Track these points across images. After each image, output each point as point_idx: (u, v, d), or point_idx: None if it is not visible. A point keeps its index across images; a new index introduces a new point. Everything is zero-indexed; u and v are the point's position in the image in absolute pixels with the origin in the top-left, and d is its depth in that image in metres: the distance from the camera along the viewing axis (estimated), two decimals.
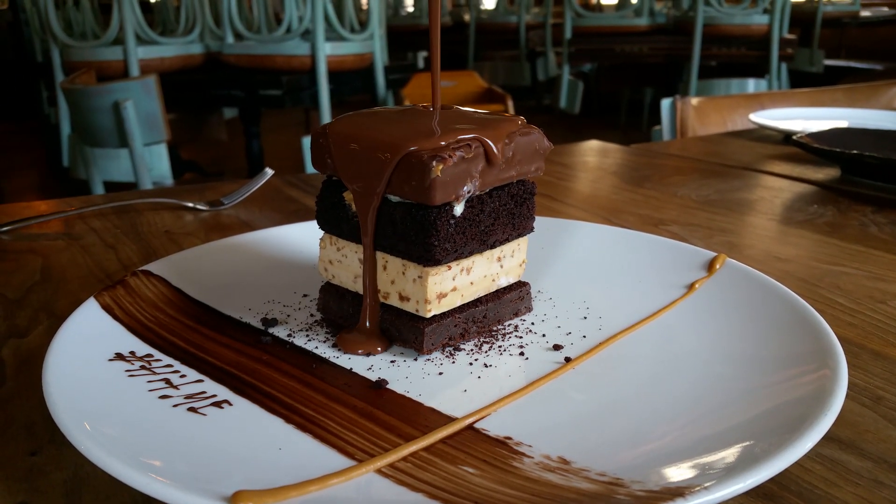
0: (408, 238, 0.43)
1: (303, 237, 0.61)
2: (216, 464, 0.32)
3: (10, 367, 0.46)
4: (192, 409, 0.37)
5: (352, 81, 3.30)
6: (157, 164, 2.75)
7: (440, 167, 0.40)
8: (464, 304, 0.46)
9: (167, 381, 0.40)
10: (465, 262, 0.45)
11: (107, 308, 0.47)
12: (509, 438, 0.35)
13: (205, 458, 0.33)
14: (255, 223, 0.77)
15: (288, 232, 0.63)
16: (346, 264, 0.47)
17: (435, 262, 0.43)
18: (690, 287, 0.53)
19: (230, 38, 3.13)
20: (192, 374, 0.41)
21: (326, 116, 3.03)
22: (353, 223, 0.46)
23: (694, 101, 1.52)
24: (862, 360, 0.47)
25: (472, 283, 0.46)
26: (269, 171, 0.85)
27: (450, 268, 0.44)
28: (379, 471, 0.32)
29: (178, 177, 4.08)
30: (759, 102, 1.60)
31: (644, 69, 5.66)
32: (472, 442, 0.35)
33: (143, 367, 0.41)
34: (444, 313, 0.45)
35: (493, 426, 0.36)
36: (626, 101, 7.14)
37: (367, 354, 0.44)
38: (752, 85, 3.82)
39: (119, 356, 0.42)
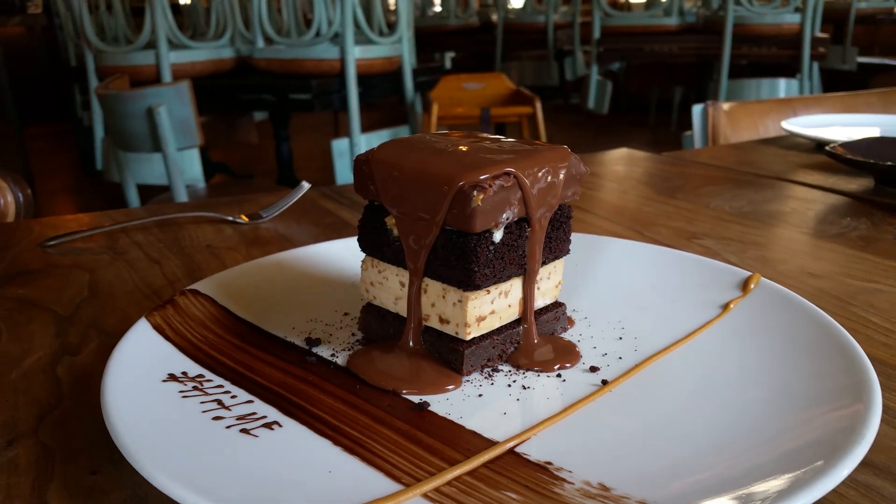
0: (448, 263, 0.44)
1: (342, 254, 0.63)
2: (271, 487, 0.34)
3: (66, 385, 0.48)
4: (244, 431, 0.39)
5: (380, 84, 3.32)
6: (189, 167, 2.81)
7: (480, 196, 0.41)
8: (502, 326, 0.48)
9: (219, 401, 0.42)
10: (504, 286, 0.46)
11: (158, 328, 0.49)
12: (549, 463, 0.36)
13: (260, 482, 0.34)
14: (293, 237, 0.79)
15: (327, 249, 0.65)
16: (387, 286, 0.49)
17: (474, 287, 0.44)
18: (725, 307, 0.53)
19: (260, 43, 3.17)
20: (243, 395, 0.43)
21: (355, 120, 3.05)
22: (394, 247, 0.47)
23: (725, 106, 1.51)
24: None
25: (509, 305, 0.47)
26: (306, 185, 0.87)
27: (488, 292, 0.45)
28: (425, 495, 0.33)
29: (209, 179, 4.15)
30: (791, 107, 1.58)
31: (673, 69, 5.62)
32: (514, 467, 0.36)
33: (195, 388, 0.43)
34: (482, 335, 0.46)
35: (533, 450, 0.38)
36: (656, 100, 7.08)
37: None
38: (783, 85, 3.77)
39: (172, 377, 0.44)
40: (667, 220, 0.85)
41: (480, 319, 0.45)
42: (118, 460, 0.39)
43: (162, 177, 2.56)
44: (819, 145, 1.19)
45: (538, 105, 3.37)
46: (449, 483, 0.35)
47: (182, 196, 2.39)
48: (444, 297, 0.45)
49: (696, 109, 1.46)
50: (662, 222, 0.84)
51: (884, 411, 0.44)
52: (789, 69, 4.06)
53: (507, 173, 0.43)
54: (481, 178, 0.41)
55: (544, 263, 0.49)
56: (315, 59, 3.04)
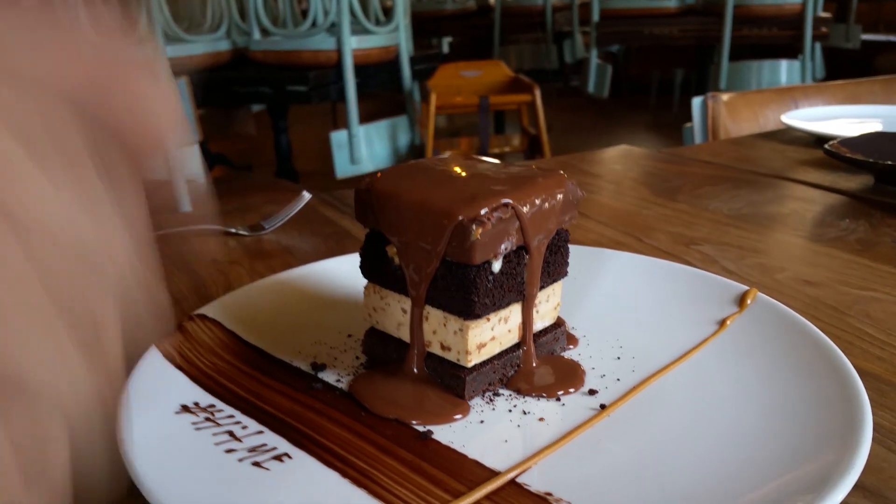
0: (449, 293, 0.45)
1: (344, 271, 0.64)
2: None
3: None
4: (256, 464, 0.40)
5: (377, 74, 3.31)
6: (188, 162, 2.81)
7: (479, 230, 0.42)
8: (502, 351, 0.49)
9: (231, 433, 0.43)
10: (503, 313, 0.47)
11: (168, 357, 0.50)
12: (549, 494, 0.38)
13: None
14: (294, 248, 0.80)
15: (330, 267, 0.66)
16: (390, 312, 0.50)
17: (475, 316, 0.45)
18: (722, 324, 0.54)
19: (257, 34, 3.16)
20: (253, 425, 0.44)
21: (353, 111, 3.05)
22: (396, 275, 0.48)
23: (724, 97, 1.51)
24: (891, 398, 0.49)
25: (509, 330, 0.49)
26: (307, 195, 0.88)
27: (488, 319, 0.46)
28: None
29: (209, 169, 4.15)
30: (791, 97, 1.58)
31: (674, 51, 5.59)
32: (516, 497, 0.38)
33: (207, 419, 0.44)
34: (483, 361, 0.47)
35: (533, 480, 0.39)
36: (657, 83, 7.04)
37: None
38: (784, 67, 3.75)
39: (185, 408, 0.45)
40: (665, 225, 0.86)
41: (481, 346, 0.47)
42: (137, 494, 0.40)
43: (163, 172, 2.57)
44: (819, 139, 1.20)
45: (537, 93, 3.36)
46: None
47: (183, 192, 2.40)
48: (445, 325, 0.46)
49: (696, 102, 1.46)
50: (661, 227, 0.85)
51: (876, 430, 0.45)
52: (791, 50, 4.04)
53: (505, 204, 0.44)
54: (481, 212, 0.42)
55: (543, 287, 0.50)
56: (312, 51, 3.04)
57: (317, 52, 3.02)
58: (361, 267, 0.51)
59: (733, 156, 1.18)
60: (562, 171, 0.49)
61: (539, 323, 0.51)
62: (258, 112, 4.44)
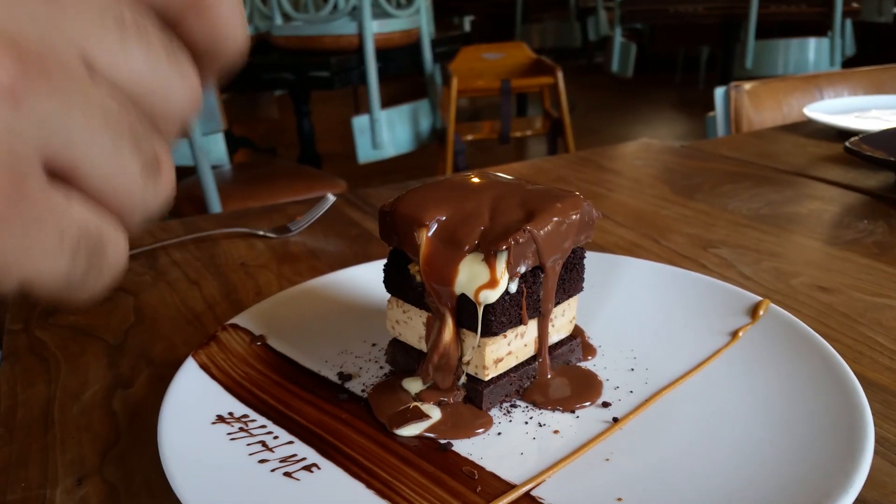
0: (467, 312, 0.47)
1: (368, 279, 0.66)
2: None
3: (122, 419, 0.53)
4: (287, 475, 0.43)
5: (399, 58, 3.32)
6: (213, 148, 2.86)
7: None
8: (518, 364, 0.51)
9: (263, 443, 0.46)
10: (520, 328, 0.50)
11: (204, 367, 0.53)
12: None
13: None
14: (320, 251, 0.83)
15: (353, 275, 0.68)
16: (412, 325, 0.53)
17: (492, 334, 0.47)
18: (734, 335, 0.56)
19: (279, 20, 3.18)
20: (284, 436, 0.47)
21: (375, 95, 3.06)
22: (417, 291, 0.51)
23: (747, 86, 1.50)
24: None
25: (525, 345, 0.51)
26: (331, 198, 0.91)
27: (505, 336, 0.49)
28: None
29: (232, 154, 4.21)
30: (815, 84, 1.57)
31: (699, 28, 5.49)
32: None
33: (241, 429, 0.47)
34: (500, 374, 0.50)
35: (547, 494, 0.41)
36: (682, 59, 6.94)
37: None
38: (812, 45, 3.68)
39: (220, 418, 0.48)
40: (683, 226, 0.87)
41: (498, 361, 0.49)
42: (176, 500, 0.44)
43: (188, 158, 2.61)
44: (841, 133, 1.19)
45: (559, 74, 3.34)
46: None
47: (209, 178, 2.44)
48: (463, 340, 0.49)
49: (719, 93, 1.46)
50: (679, 228, 0.86)
51: (881, 444, 0.47)
52: (820, 27, 3.95)
53: (524, 230, 0.46)
54: (502, 247, 0.44)
55: (558, 303, 0.52)
56: (333, 35, 3.05)
57: (338, 37, 3.03)
58: (385, 282, 0.53)
59: (755, 150, 1.18)
60: (578, 193, 0.50)
61: (555, 336, 0.53)
62: (280, 95, 4.47)
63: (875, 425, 0.48)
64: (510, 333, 0.49)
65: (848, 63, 3.75)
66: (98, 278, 0.24)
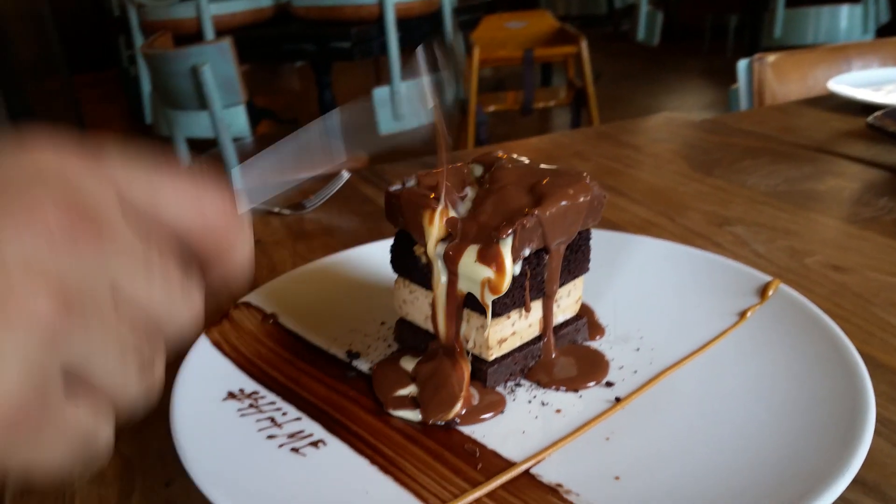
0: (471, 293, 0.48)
1: (379, 258, 0.67)
2: None
3: None
4: (294, 450, 0.44)
5: (420, 27, 3.28)
6: (235, 121, 2.87)
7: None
8: (523, 344, 0.52)
9: (272, 419, 0.47)
10: (524, 310, 0.50)
11: (217, 344, 0.54)
12: (560, 486, 0.41)
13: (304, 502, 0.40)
14: (334, 228, 0.84)
15: (364, 253, 0.69)
16: (418, 306, 0.53)
17: (495, 315, 0.48)
18: (742, 315, 0.56)
19: None
20: (292, 412, 0.48)
21: (396, 67, 3.04)
22: (423, 272, 0.51)
23: (771, 58, 1.47)
24: None
25: (529, 325, 0.51)
26: (346, 174, 0.91)
27: (509, 316, 0.49)
28: None
29: (255, 126, 4.22)
30: (844, 56, 1.53)
31: None
32: (527, 489, 0.41)
33: (251, 406, 0.48)
34: (504, 354, 0.50)
35: (546, 472, 0.42)
36: (710, 27, 6.78)
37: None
38: (845, 12, 3.56)
39: (231, 395, 0.49)
40: (700, 203, 0.86)
41: (502, 341, 0.49)
42: (187, 473, 0.45)
43: (209, 130, 2.63)
44: (865, 107, 1.17)
45: (583, 44, 3.29)
46: None
47: (230, 151, 2.46)
48: (467, 321, 0.49)
49: (742, 65, 1.43)
50: (696, 205, 0.85)
51: (885, 425, 0.47)
52: None
53: (531, 215, 0.46)
54: (508, 232, 0.44)
55: (563, 284, 0.52)
56: (354, 5, 3.03)
57: (359, 7, 3.00)
58: (392, 262, 0.54)
59: (777, 125, 1.16)
60: (586, 175, 0.50)
61: (560, 316, 0.54)
62: (301, 66, 4.46)
63: (881, 407, 0.48)
64: (514, 314, 0.50)
65: (882, 31, 3.63)
66: (86, 467, 0.29)
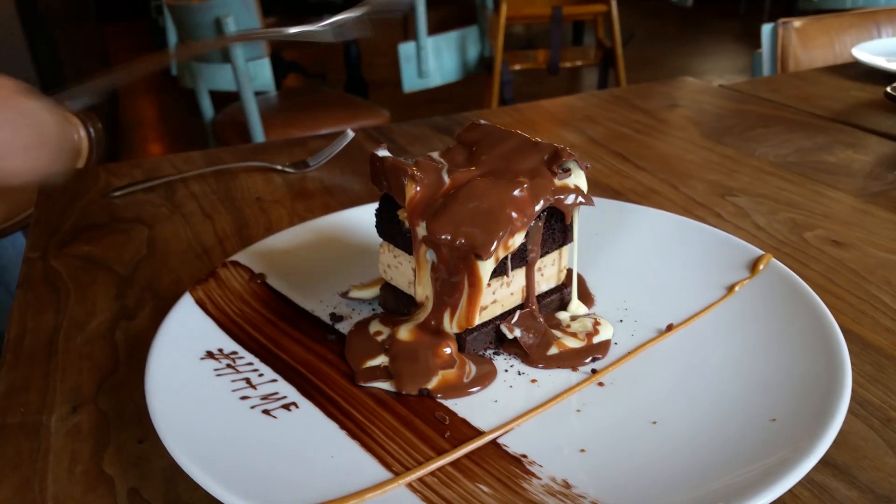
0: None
1: (371, 221, 0.67)
2: (277, 471, 0.40)
3: (122, 351, 0.55)
4: (265, 412, 0.45)
5: None
6: (259, 74, 2.86)
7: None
8: (504, 312, 0.51)
9: (248, 380, 0.48)
10: (506, 277, 0.50)
11: (200, 303, 0.55)
12: (524, 456, 0.41)
13: (269, 465, 0.40)
14: (335, 188, 0.84)
15: (356, 215, 0.68)
16: (402, 271, 0.53)
17: None
18: (730, 289, 0.55)
19: None
20: (269, 373, 0.49)
21: (422, 22, 2.99)
22: (406, 237, 0.51)
23: (797, 23, 1.42)
24: (887, 374, 0.49)
25: (511, 293, 0.51)
26: (350, 133, 0.91)
27: (489, 285, 0.49)
28: (409, 485, 0.39)
29: (283, 77, 4.20)
30: (874, 21, 1.47)
31: None
32: (493, 458, 0.41)
33: (228, 366, 0.49)
34: (485, 322, 0.50)
35: (513, 442, 0.42)
36: None
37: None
38: None
39: (209, 354, 0.50)
40: (706, 172, 0.84)
41: (482, 309, 0.49)
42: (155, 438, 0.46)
43: (233, 83, 2.62)
44: (889, 76, 1.12)
45: (613, 2, 3.20)
46: (432, 473, 0.40)
47: (252, 106, 2.45)
48: None
49: (766, 30, 1.38)
50: (701, 175, 0.84)
51: (863, 407, 0.46)
52: None
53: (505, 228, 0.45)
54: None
55: (547, 253, 0.52)
56: None
57: None
58: (377, 226, 0.54)
59: (794, 93, 1.13)
60: (568, 149, 0.49)
61: (544, 285, 0.53)
62: None
63: (862, 388, 0.48)
64: (495, 282, 0.49)
65: None
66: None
